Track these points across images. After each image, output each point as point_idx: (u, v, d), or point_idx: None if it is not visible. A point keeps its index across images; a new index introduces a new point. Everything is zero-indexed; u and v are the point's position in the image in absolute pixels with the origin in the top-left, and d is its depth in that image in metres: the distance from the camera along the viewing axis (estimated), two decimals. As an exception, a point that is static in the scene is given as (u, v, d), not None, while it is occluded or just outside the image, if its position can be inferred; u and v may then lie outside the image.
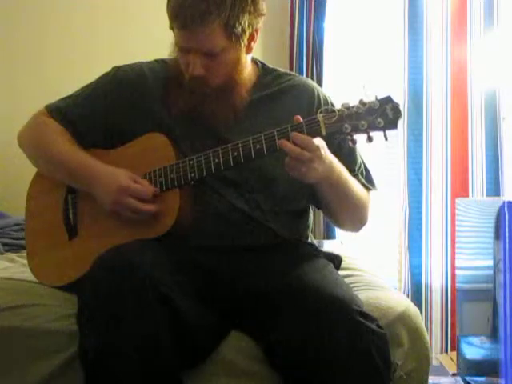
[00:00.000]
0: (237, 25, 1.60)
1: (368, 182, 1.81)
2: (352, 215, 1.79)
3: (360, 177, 1.78)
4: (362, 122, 1.52)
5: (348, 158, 1.75)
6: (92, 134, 1.78)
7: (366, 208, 1.79)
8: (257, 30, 1.67)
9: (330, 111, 1.55)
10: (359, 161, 1.80)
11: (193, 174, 1.63)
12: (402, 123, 2.95)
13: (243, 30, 1.62)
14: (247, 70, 1.73)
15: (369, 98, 1.54)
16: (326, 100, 1.79)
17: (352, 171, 1.75)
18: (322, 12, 2.96)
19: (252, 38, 1.67)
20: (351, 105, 1.54)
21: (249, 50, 1.69)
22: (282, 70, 1.84)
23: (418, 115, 2.99)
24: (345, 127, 1.53)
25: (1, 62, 3.01)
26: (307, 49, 2.96)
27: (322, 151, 1.56)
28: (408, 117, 2.97)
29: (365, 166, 1.82)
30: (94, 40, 3.02)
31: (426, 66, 2.98)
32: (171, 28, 1.66)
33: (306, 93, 1.79)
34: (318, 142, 1.55)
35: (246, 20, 1.61)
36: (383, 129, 1.52)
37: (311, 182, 1.61)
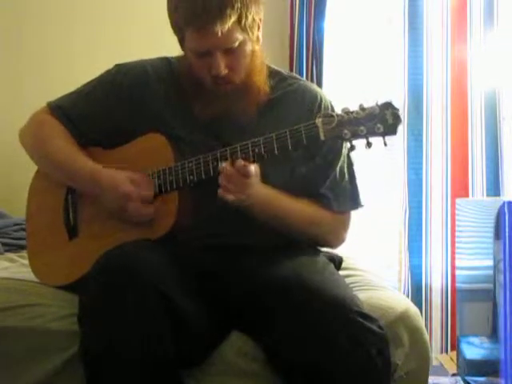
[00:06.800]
0: (248, 16, 1.61)
1: (352, 200, 1.78)
2: (300, 235, 1.74)
3: (331, 194, 1.74)
4: (361, 128, 1.50)
5: (322, 172, 1.74)
6: (92, 133, 1.77)
7: (319, 228, 1.75)
8: (261, 20, 1.67)
9: (329, 116, 1.53)
10: (342, 178, 1.77)
11: (191, 177, 1.62)
12: (402, 123, 2.95)
13: (253, 20, 1.63)
14: (262, 61, 1.72)
15: (369, 102, 1.52)
16: (327, 106, 1.77)
17: (320, 186, 1.73)
18: (322, 12, 2.95)
19: (258, 28, 1.68)
20: (351, 110, 1.52)
21: (258, 40, 1.69)
22: (285, 73, 1.83)
23: (418, 115, 2.98)
24: (344, 133, 1.51)
25: (4, 61, 3.01)
26: (307, 49, 2.96)
27: (257, 179, 1.58)
28: (408, 117, 2.97)
29: (351, 183, 1.79)
30: (97, 38, 3.02)
31: (426, 66, 2.97)
32: (181, 37, 1.65)
33: (309, 97, 1.78)
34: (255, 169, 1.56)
35: (253, 10, 1.62)
36: (382, 135, 1.50)
37: (245, 204, 1.59)
